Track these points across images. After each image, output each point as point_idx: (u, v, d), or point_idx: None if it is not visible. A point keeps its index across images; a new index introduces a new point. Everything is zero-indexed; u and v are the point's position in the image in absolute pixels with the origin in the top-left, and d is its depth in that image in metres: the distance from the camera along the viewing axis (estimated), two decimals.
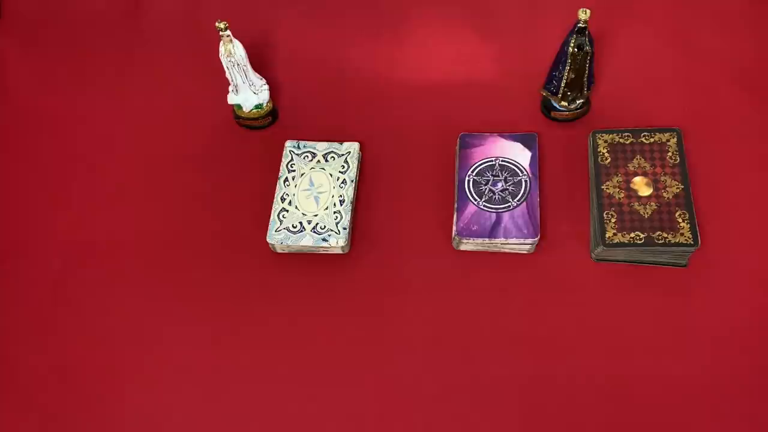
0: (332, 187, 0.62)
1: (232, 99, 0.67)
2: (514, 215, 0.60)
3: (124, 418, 0.57)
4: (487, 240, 0.59)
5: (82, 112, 0.72)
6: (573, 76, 0.62)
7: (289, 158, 0.64)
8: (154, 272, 0.63)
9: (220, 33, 0.60)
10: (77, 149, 0.70)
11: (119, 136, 0.71)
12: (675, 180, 0.60)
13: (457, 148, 0.65)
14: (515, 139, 0.64)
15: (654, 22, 0.72)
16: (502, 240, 0.59)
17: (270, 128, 0.70)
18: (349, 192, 0.62)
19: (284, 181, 0.63)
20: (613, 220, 0.59)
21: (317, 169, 0.63)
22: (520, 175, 0.62)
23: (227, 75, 0.64)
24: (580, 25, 0.58)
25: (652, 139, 0.63)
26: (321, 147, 0.65)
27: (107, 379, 0.59)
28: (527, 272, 0.61)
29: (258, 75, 0.65)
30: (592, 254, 0.61)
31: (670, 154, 0.62)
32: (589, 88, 0.65)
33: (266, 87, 0.66)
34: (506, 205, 0.60)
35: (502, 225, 0.59)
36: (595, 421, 0.55)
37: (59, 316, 0.62)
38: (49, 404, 0.58)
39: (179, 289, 0.62)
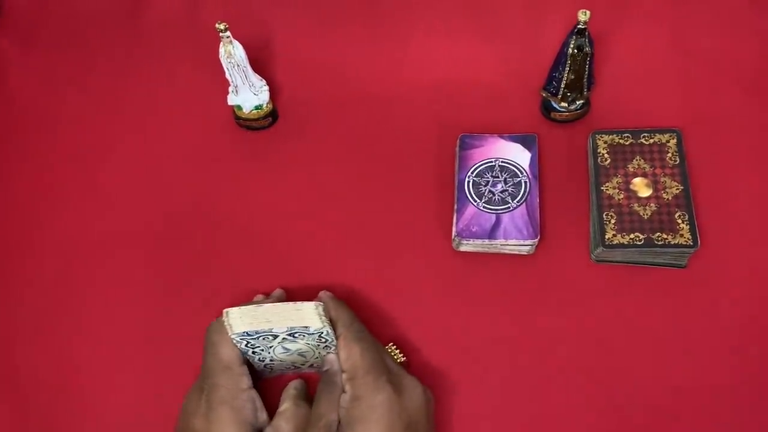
0: (315, 348, 0.52)
1: (232, 100, 0.67)
2: (514, 216, 0.60)
3: (128, 421, 0.58)
4: (486, 241, 0.59)
5: (82, 112, 0.72)
6: (573, 77, 0.62)
7: (244, 344, 0.50)
8: (153, 272, 0.63)
9: (220, 34, 0.60)
10: (77, 149, 0.70)
11: (119, 136, 0.71)
12: (675, 181, 0.61)
13: (457, 148, 0.65)
14: (515, 140, 0.64)
15: (654, 23, 0.72)
16: (501, 241, 0.59)
17: (270, 129, 0.70)
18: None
19: (252, 353, 0.52)
20: (612, 221, 0.59)
21: (287, 341, 0.51)
22: (520, 176, 0.62)
23: (227, 76, 0.64)
24: (579, 26, 0.58)
25: (651, 140, 0.63)
26: (280, 329, 0.49)
27: (109, 380, 0.59)
28: (527, 273, 0.61)
29: (258, 76, 0.65)
30: (592, 255, 0.61)
31: (669, 155, 0.62)
32: (588, 89, 0.65)
33: (266, 88, 0.66)
34: (506, 206, 0.61)
35: (502, 226, 0.59)
36: (594, 420, 0.55)
37: (59, 316, 0.62)
38: (49, 405, 0.58)
39: (179, 289, 0.62)
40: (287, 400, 0.52)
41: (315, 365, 0.55)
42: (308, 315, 0.49)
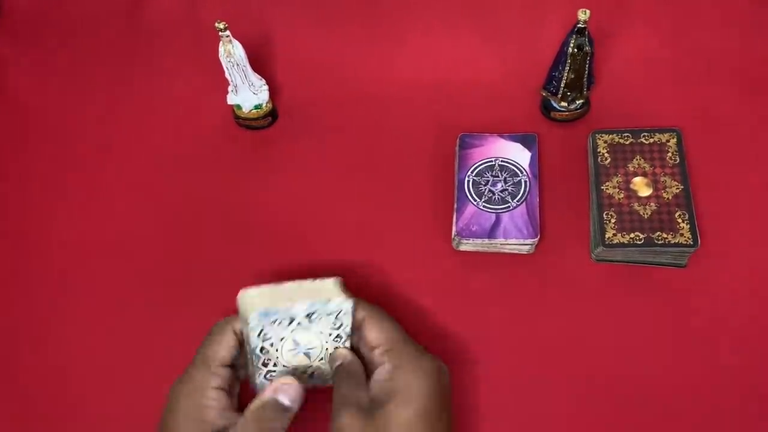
0: (324, 342, 0.51)
1: (231, 99, 0.67)
2: (514, 216, 0.60)
3: (129, 422, 0.58)
4: (486, 240, 0.59)
5: (82, 112, 0.72)
6: (573, 76, 0.62)
7: (259, 330, 0.48)
8: (152, 272, 0.63)
9: (220, 33, 0.60)
10: (77, 149, 0.70)
11: (119, 135, 0.71)
12: (675, 180, 0.60)
13: (457, 148, 0.65)
14: (515, 139, 0.64)
15: (654, 22, 0.72)
16: (501, 240, 0.59)
17: (269, 128, 0.70)
18: (346, 344, 0.52)
19: (260, 350, 0.49)
20: (612, 221, 0.59)
21: (300, 330, 0.49)
22: (520, 175, 0.62)
23: (226, 75, 0.64)
24: (579, 25, 0.58)
25: (651, 140, 0.63)
26: (300, 308, 0.47)
27: (109, 380, 0.59)
28: (527, 272, 0.61)
29: (257, 75, 0.65)
30: (592, 254, 0.61)
31: (670, 154, 0.62)
32: (588, 89, 0.65)
33: (265, 87, 0.66)
34: (506, 205, 0.60)
35: (502, 225, 0.59)
36: (593, 419, 0.55)
37: (60, 317, 0.62)
38: (49, 405, 0.58)
39: (179, 290, 0.62)
40: (257, 399, 0.49)
41: (315, 375, 0.53)
42: (328, 288, 0.48)
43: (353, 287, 0.61)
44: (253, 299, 0.47)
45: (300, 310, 0.48)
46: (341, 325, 0.50)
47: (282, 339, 0.50)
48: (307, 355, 0.52)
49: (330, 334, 0.50)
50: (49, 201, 0.68)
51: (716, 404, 0.55)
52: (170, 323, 0.61)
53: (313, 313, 0.48)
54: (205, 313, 0.59)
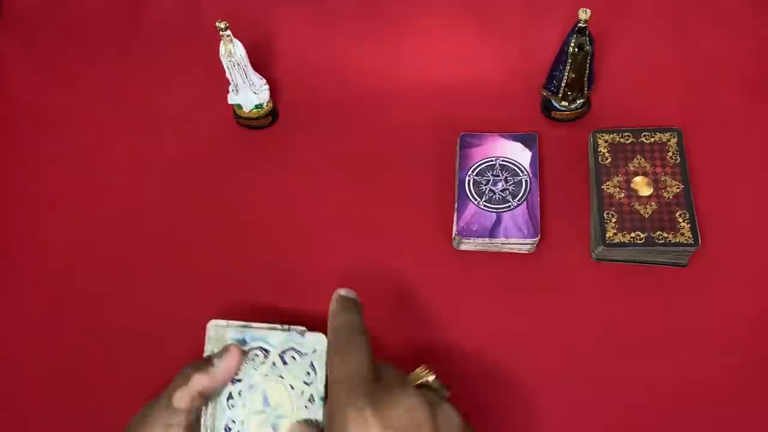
0: (296, 408, 0.44)
1: (232, 99, 0.67)
2: (515, 215, 0.60)
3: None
4: (487, 240, 0.59)
5: (82, 112, 0.72)
6: (573, 75, 0.62)
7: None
8: (152, 271, 0.63)
9: (221, 33, 0.60)
10: (77, 149, 0.70)
11: (119, 135, 0.71)
12: (675, 180, 0.61)
13: (458, 147, 0.65)
14: (515, 139, 0.64)
15: (654, 22, 0.72)
16: (502, 240, 0.59)
17: (270, 128, 0.70)
18: (318, 414, 0.44)
19: (227, 400, 0.44)
20: (613, 220, 0.59)
21: (272, 377, 0.44)
22: (521, 174, 0.62)
23: (227, 75, 0.64)
24: (580, 24, 0.58)
25: (652, 139, 0.63)
26: (275, 340, 0.44)
27: (110, 381, 0.59)
28: (527, 272, 0.61)
29: (258, 75, 0.65)
30: (593, 254, 0.61)
31: (670, 153, 0.62)
32: (589, 88, 0.65)
33: (266, 87, 0.66)
34: (506, 205, 0.60)
35: (503, 225, 0.59)
36: (593, 419, 0.55)
37: (60, 317, 0.62)
38: (49, 405, 0.58)
39: (179, 289, 0.62)
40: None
41: None
42: (299, 330, 0.45)
43: (353, 287, 0.61)
44: (225, 329, 0.45)
45: (276, 342, 0.44)
46: (314, 376, 0.44)
47: (252, 386, 0.45)
48: (274, 428, 0.44)
49: (302, 393, 0.44)
50: (49, 199, 0.68)
51: (716, 403, 0.55)
52: (169, 320, 0.61)
53: (287, 351, 0.44)
54: (204, 311, 0.59)
